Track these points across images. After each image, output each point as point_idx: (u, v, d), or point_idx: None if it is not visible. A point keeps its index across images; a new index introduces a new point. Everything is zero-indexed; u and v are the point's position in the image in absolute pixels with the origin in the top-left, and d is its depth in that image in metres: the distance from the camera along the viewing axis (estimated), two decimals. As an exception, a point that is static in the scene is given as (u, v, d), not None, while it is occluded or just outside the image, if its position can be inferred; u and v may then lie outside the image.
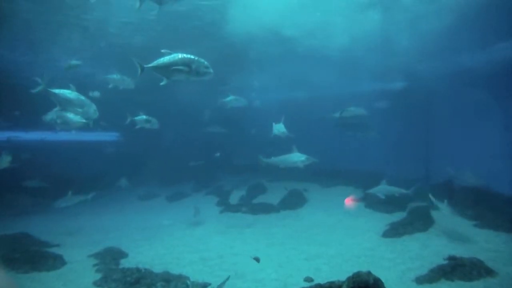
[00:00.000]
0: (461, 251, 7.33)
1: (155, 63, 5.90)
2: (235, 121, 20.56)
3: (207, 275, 7.12)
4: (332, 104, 13.89)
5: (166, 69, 5.83)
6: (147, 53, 7.21)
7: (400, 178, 13.66)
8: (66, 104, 7.17)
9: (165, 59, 5.83)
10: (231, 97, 13.13)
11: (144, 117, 10.50)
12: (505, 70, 13.90)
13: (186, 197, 17.15)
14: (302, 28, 12.55)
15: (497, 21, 11.59)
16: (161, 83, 5.98)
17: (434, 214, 9.62)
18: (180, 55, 5.81)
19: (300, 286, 6.16)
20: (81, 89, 7.63)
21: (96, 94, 10.44)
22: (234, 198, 15.30)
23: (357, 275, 4.34)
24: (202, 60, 5.85)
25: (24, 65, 14.05)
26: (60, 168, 18.28)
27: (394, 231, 9.12)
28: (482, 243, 8.02)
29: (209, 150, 19.95)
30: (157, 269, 7.42)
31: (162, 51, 5.86)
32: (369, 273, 4.33)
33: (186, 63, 5.77)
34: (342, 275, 4.85)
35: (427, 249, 7.84)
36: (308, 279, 6.62)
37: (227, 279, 6.08)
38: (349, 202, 12.90)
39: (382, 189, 10.13)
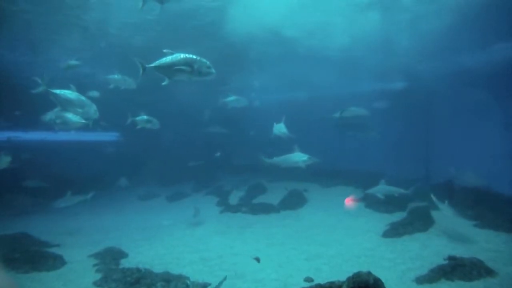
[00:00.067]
0: (461, 251, 7.33)
1: (157, 63, 5.88)
2: (235, 121, 20.56)
3: (207, 275, 7.12)
4: (332, 104, 13.88)
5: (168, 69, 5.80)
6: (147, 53, 7.22)
7: (400, 178, 13.67)
8: (67, 104, 7.17)
9: (167, 59, 5.81)
10: (232, 97, 13.11)
11: (145, 117, 10.49)
12: (505, 70, 13.89)
13: (186, 197, 17.15)
14: (302, 28, 12.56)
15: (497, 21, 11.59)
16: (163, 83, 5.96)
17: (434, 214, 9.62)
18: (182, 55, 5.79)
19: (300, 286, 6.15)
20: (80, 89, 7.63)
21: (95, 94, 10.42)
22: (234, 198, 15.30)
23: (357, 275, 4.33)
24: (204, 60, 5.83)
25: (24, 65, 14.06)
26: (60, 168, 18.28)
27: (394, 231, 9.12)
28: (482, 243, 8.02)
29: (209, 150, 19.95)
30: (157, 269, 7.42)
31: (164, 51, 5.84)
32: (369, 273, 4.32)
33: (188, 63, 5.74)
34: (342, 275, 4.85)
35: (427, 249, 7.83)
36: (308, 279, 6.62)
37: (224, 279, 6.08)
38: (349, 202, 12.89)
39: (381, 189, 10.13)
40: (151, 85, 11.68)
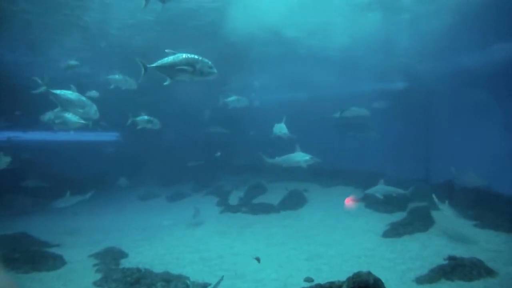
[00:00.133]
0: (461, 251, 7.33)
1: (159, 63, 5.87)
2: (235, 121, 20.55)
3: (207, 275, 7.12)
4: (332, 104, 13.89)
5: (170, 69, 5.79)
6: (148, 54, 7.23)
7: (401, 178, 13.67)
8: (67, 104, 7.16)
9: (169, 59, 5.79)
10: (233, 97, 13.11)
11: (146, 117, 10.49)
12: (505, 70, 13.89)
13: (186, 197, 17.15)
14: (302, 29, 12.56)
15: (497, 21, 11.59)
16: (165, 83, 5.95)
17: (434, 214, 9.62)
18: (184, 55, 5.77)
19: (300, 286, 6.15)
20: (80, 89, 7.62)
21: (94, 94, 10.39)
22: (234, 198, 15.29)
23: (357, 275, 4.33)
24: (206, 60, 5.81)
25: (24, 65, 14.06)
26: (60, 168, 18.27)
27: (394, 231, 9.12)
28: (482, 243, 8.02)
29: (209, 150, 19.94)
30: (157, 269, 7.42)
31: (166, 51, 5.83)
32: (369, 273, 4.32)
33: (190, 63, 5.73)
34: (342, 275, 4.85)
35: (427, 249, 7.83)
36: (308, 279, 6.62)
37: (222, 279, 6.08)
38: (349, 202, 12.89)
39: (380, 189, 10.13)
40: (151, 85, 11.70)
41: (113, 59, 14.56)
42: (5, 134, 20.30)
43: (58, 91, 7.03)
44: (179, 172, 19.98)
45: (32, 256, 8.00)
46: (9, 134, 20.42)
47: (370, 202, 11.82)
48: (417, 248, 7.95)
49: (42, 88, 6.91)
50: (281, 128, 10.16)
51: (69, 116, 7.80)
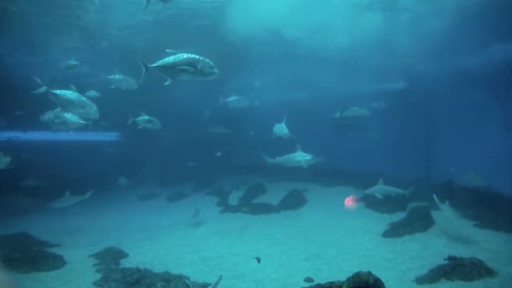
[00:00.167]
0: (461, 251, 7.33)
1: (160, 62, 5.85)
2: (235, 122, 20.55)
3: (207, 275, 7.12)
4: (332, 104, 13.89)
5: (171, 69, 5.77)
6: (148, 54, 7.22)
7: (401, 178, 13.66)
8: (67, 104, 7.16)
9: (170, 59, 5.78)
10: (233, 97, 13.10)
11: (146, 117, 10.49)
12: (505, 70, 13.89)
13: (186, 197, 17.15)
14: (303, 29, 12.56)
15: (497, 21, 11.60)
16: (166, 83, 5.93)
17: (434, 214, 9.62)
18: (185, 55, 5.75)
19: (300, 286, 6.15)
20: (79, 89, 7.61)
21: (93, 93, 10.37)
22: (234, 198, 15.29)
23: (357, 275, 4.33)
24: (207, 60, 5.79)
25: (24, 66, 14.07)
26: (60, 168, 18.29)
27: (394, 231, 9.12)
28: (482, 243, 8.02)
29: (209, 150, 19.94)
30: (157, 269, 7.42)
31: (167, 50, 5.82)
32: (369, 273, 4.32)
33: (191, 63, 5.71)
34: (342, 275, 4.85)
35: (427, 249, 7.83)
36: (308, 279, 6.61)
37: (220, 279, 6.07)
38: (349, 202, 12.89)
39: (379, 189, 10.14)
40: (151, 85, 11.69)
41: (113, 59, 14.58)
42: (5, 134, 20.30)
43: (58, 91, 7.02)
44: (179, 172, 19.98)
45: (32, 256, 8.00)
46: (9, 134, 20.42)
47: (370, 202, 11.82)
48: (417, 248, 7.94)
49: (43, 88, 6.90)
50: (281, 128, 10.15)
51: (69, 116, 7.79)
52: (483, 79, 14.79)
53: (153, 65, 5.86)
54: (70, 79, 9.95)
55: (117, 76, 11.04)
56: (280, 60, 15.70)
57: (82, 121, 7.82)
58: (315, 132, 18.98)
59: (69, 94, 7.16)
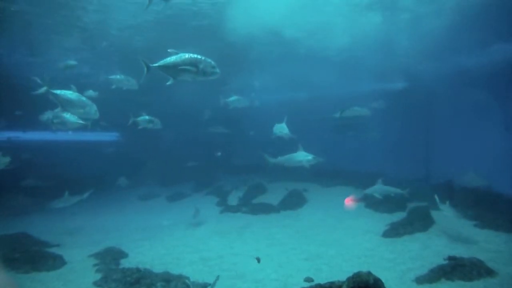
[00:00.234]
0: (461, 251, 7.33)
1: (162, 62, 5.84)
2: (236, 122, 20.55)
3: (207, 275, 7.12)
4: (332, 104, 13.90)
5: (173, 69, 5.75)
6: (148, 54, 7.22)
7: (401, 178, 13.67)
8: (68, 105, 7.15)
9: (172, 58, 5.77)
10: (234, 97, 13.10)
11: (147, 117, 10.49)
12: (505, 70, 13.90)
13: (186, 197, 17.16)
14: (303, 29, 12.56)
15: (497, 21, 11.60)
16: (168, 83, 5.92)
17: (434, 214, 9.62)
18: (187, 55, 5.74)
19: (300, 286, 6.15)
20: (78, 89, 7.61)
21: (91, 93, 10.36)
22: (234, 198, 15.30)
23: (357, 275, 4.33)
24: (209, 60, 5.78)
25: (24, 66, 14.07)
26: (61, 168, 18.29)
27: (394, 231, 9.12)
28: (482, 243, 8.02)
29: (209, 150, 19.94)
30: (157, 269, 7.42)
31: (169, 50, 5.81)
32: (369, 273, 4.32)
33: (193, 63, 5.70)
34: (342, 275, 4.85)
35: (427, 249, 7.83)
36: (308, 279, 6.61)
37: (217, 279, 6.08)
38: (349, 202, 12.89)
39: (377, 189, 10.14)
40: (151, 85, 11.69)
41: (113, 59, 14.58)
42: (5, 134, 20.30)
43: (58, 91, 7.02)
44: (179, 172, 19.98)
45: (32, 256, 8.00)
46: (9, 134, 20.42)
47: (370, 202, 11.83)
48: (417, 248, 7.94)
49: (43, 89, 6.89)
50: (282, 128, 10.14)
51: (68, 116, 7.78)
52: (483, 79, 14.79)
53: (155, 64, 5.86)
54: (70, 79, 9.97)
55: (118, 76, 11.05)
56: (280, 60, 15.70)
57: (81, 121, 7.81)
58: (315, 132, 18.98)
59: (69, 94, 7.15)
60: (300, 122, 12.40)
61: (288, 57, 15.44)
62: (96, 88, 10.88)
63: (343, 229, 9.96)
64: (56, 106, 7.15)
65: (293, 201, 13.32)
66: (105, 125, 14.41)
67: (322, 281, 5.07)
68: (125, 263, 8.04)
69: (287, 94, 23.07)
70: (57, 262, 7.98)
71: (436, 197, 8.88)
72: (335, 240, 9.08)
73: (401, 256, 7.58)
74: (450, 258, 6.76)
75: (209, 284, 6.57)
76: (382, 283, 4.27)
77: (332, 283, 4.69)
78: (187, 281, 6.65)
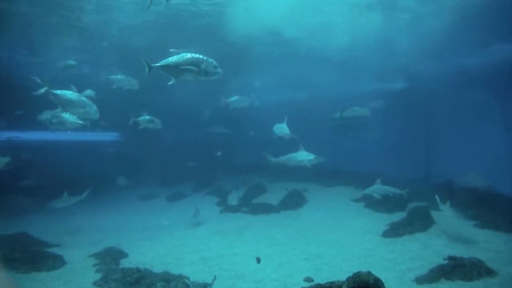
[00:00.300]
0: (461, 251, 7.33)
1: (163, 62, 5.82)
2: (236, 121, 20.55)
3: (207, 275, 7.11)
4: (332, 104, 13.91)
5: (175, 68, 5.74)
6: (148, 54, 7.22)
7: (401, 178, 13.67)
8: (68, 105, 7.15)
9: (174, 58, 5.75)
10: (235, 97, 13.08)
11: (147, 117, 10.49)
12: (505, 70, 13.90)
13: (186, 197, 17.15)
14: (303, 29, 12.57)
15: (497, 21, 11.60)
16: (169, 83, 5.92)
17: (434, 214, 9.62)
18: (189, 55, 5.73)
19: (300, 286, 6.15)
20: (79, 89, 7.61)
21: (90, 92, 10.34)
22: (234, 198, 15.29)
23: (357, 275, 4.33)
24: (211, 60, 5.77)
25: (24, 66, 14.07)
26: (61, 168, 18.28)
27: (394, 231, 9.11)
28: (482, 243, 8.02)
29: (209, 150, 19.94)
30: (157, 269, 7.42)
31: (171, 50, 5.82)
32: (369, 273, 4.32)
33: (195, 63, 5.69)
34: (342, 275, 4.85)
35: (427, 249, 7.83)
36: (308, 279, 6.61)
37: (214, 279, 6.09)
38: (349, 202, 12.89)
39: (376, 189, 10.14)
40: (151, 85, 11.69)
41: (113, 60, 14.58)
42: (5, 134, 20.30)
43: (58, 92, 7.02)
44: (179, 172, 19.97)
45: (32, 256, 7.99)
46: (9, 134, 20.41)
47: (370, 202, 11.83)
48: (417, 248, 7.94)
49: (44, 89, 6.89)
50: (282, 128, 10.14)
51: (66, 116, 7.78)
52: (483, 79, 14.80)
53: (156, 64, 5.84)
54: (70, 79, 9.97)
55: (119, 76, 11.05)
56: (280, 60, 15.71)
57: (79, 121, 7.81)
58: (315, 132, 18.99)
59: (69, 94, 7.15)
60: (300, 122, 12.40)
61: (288, 57, 15.45)
62: (96, 88, 10.88)
63: (343, 229, 9.95)
64: (56, 106, 7.15)
65: (293, 201, 13.32)
66: (105, 125, 14.41)
67: (322, 281, 5.07)
68: (125, 263, 8.03)
69: (287, 94, 23.07)
70: (57, 262, 7.97)
71: (437, 197, 8.88)
72: (335, 240, 9.07)
73: (401, 256, 7.58)
74: (450, 258, 6.76)
75: (209, 284, 6.57)
76: (382, 283, 4.27)
77: (332, 283, 4.69)
78: (187, 281, 6.65)
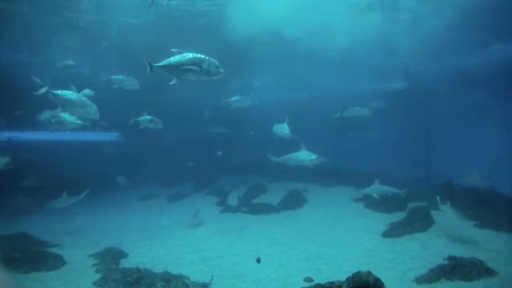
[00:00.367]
0: (461, 251, 7.33)
1: (165, 62, 5.80)
2: (236, 121, 20.55)
3: (207, 275, 7.11)
4: (332, 104, 13.91)
5: (177, 68, 5.72)
6: (148, 54, 7.22)
7: (401, 178, 13.66)
8: (68, 105, 7.15)
9: (176, 58, 5.74)
10: (235, 97, 13.06)
11: (148, 117, 10.49)
12: (505, 70, 13.90)
13: (186, 197, 17.15)
14: (303, 29, 12.57)
15: (497, 21, 11.60)
16: (171, 83, 5.91)
17: (434, 214, 9.62)
18: (190, 55, 5.71)
19: (300, 286, 6.15)
20: (78, 89, 7.60)
21: (88, 92, 10.33)
22: (234, 198, 15.28)
23: (357, 275, 4.33)
24: (213, 60, 5.75)
25: (24, 66, 14.08)
26: (61, 168, 18.28)
27: (394, 231, 9.11)
28: (482, 243, 8.02)
29: (209, 150, 19.94)
30: (157, 269, 7.42)
31: (173, 50, 5.80)
32: (369, 273, 4.32)
33: (197, 63, 5.68)
34: (342, 275, 4.85)
35: (427, 249, 7.83)
36: (308, 279, 6.62)
37: (212, 278, 6.09)
38: (349, 202, 12.89)
39: (375, 189, 10.14)
40: (151, 85, 11.69)
41: (113, 60, 14.59)
42: (5, 134, 20.30)
43: (58, 92, 7.02)
44: (180, 172, 19.97)
45: (32, 256, 7.99)
46: (9, 134, 20.41)
47: (370, 202, 11.82)
48: (417, 248, 7.94)
49: (44, 89, 6.88)
50: (282, 128, 10.13)
51: (65, 116, 7.77)
52: (483, 79, 14.80)
53: (158, 64, 5.83)
54: (70, 79, 9.97)
55: (120, 77, 11.06)
56: (280, 60, 15.71)
57: (78, 121, 7.80)
58: (315, 132, 18.99)
59: (70, 94, 7.15)
60: (300, 122, 12.40)
61: (288, 57, 15.45)
62: (96, 88, 10.88)
63: (343, 229, 9.95)
64: (56, 106, 7.15)
65: (293, 201, 13.31)
66: (105, 125, 14.41)
67: (322, 281, 5.07)
68: (125, 263, 8.03)
69: (287, 94, 23.07)
70: (57, 262, 7.97)
71: (438, 198, 8.88)
72: (335, 240, 9.08)
73: (401, 256, 7.58)
74: (450, 258, 6.76)
75: (209, 284, 6.58)
76: (382, 283, 4.27)
77: (332, 283, 4.69)
78: (187, 281, 6.65)
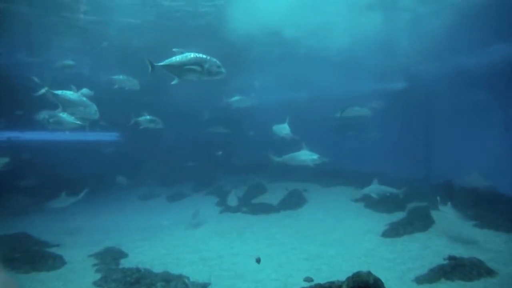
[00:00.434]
0: (461, 251, 7.33)
1: (167, 61, 5.79)
2: (236, 121, 20.55)
3: (207, 275, 7.12)
4: (332, 104, 13.91)
5: (178, 68, 5.72)
6: (148, 54, 7.22)
7: (401, 178, 13.66)
8: (68, 105, 7.14)
9: (177, 58, 5.73)
10: (236, 97, 13.05)
11: (148, 117, 10.49)
12: (505, 70, 13.90)
13: (186, 197, 17.14)
14: (303, 29, 12.57)
15: (497, 21, 11.61)
16: (172, 82, 5.90)
17: (434, 214, 9.62)
18: (192, 54, 5.71)
19: (300, 286, 6.15)
20: (78, 88, 7.59)
21: (86, 91, 10.31)
22: (234, 198, 15.24)
23: (357, 275, 4.33)
24: (215, 60, 5.75)
25: (24, 66, 14.08)
26: (61, 168, 18.28)
27: (394, 231, 9.11)
28: (482, 243, 8.02)
29: (209, 150, 19.94)
30: (157, 269, 7.42)
31: (174, 50, 5.79)
32: (369, 273, 4.32)
33: (199, 63, 5.67)
34: (342, 275, 4.85)
35: (427, 249, 7.83)
36: (308, 279, 6.62)
37: (211, 278, 6.09)
38: (349, 202, 12.88)
39: (373, 189, 10.13)
40: (151, 85, 11.68)
41: (113, 60, 14.59)
42: (5, 134, 20.30)
43: (58, 92, 7.01)
44: (179, 172, 19.97)
45: (32, 256, 7.99)
46: (9, 134, 20.42)
47: (370, 202, 11.82)
48: (417, 248, 7.94)
49: (44, 89, 6.88)
50: (283, 129, 10.12)
51: (64, 116, 7.76)
52: (483, 79, 14.80)
53: (160, 64, 5.83)
54: (70, 79, 9.97)
55: (121, 77, 11.06)
56: (280, 60, 15.71)
57: (77, 121, 7.80)
58: (315, 132, 18.98)
59: (70, 94, 7.15)
60: (300, 122, 12.40)
61: (288, 57, 15.45)
62: (96, 88, 10.88)
63: (343, 229, 9.95)
64: (56, 106, 7.15)
65: (293, 201, 13.31)
66: (105, 125, 14.42)
67: (322, 281, 5.07)
68: (125, 263, 8.03)
69: (287, 94, 23.07)
70: (57, 262, 7.97)
71: (438, 198, 8.88)
72: (335, 240, 9.07)
73: (401, 256, 7.58)
74: (450, 258, 6.77)
75: (209, 284, 6.58)
76: (382, 283, 4.27)
77: (332, 283, 4.69)
78: (186, 281, 6.65)
